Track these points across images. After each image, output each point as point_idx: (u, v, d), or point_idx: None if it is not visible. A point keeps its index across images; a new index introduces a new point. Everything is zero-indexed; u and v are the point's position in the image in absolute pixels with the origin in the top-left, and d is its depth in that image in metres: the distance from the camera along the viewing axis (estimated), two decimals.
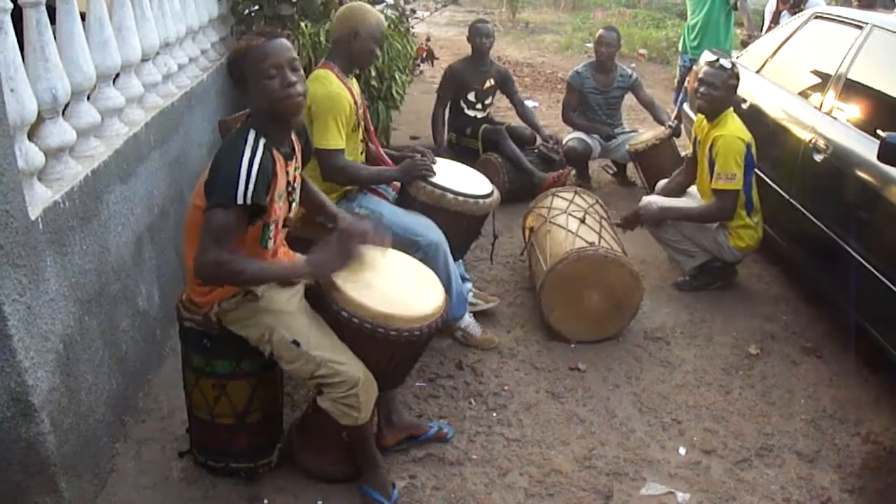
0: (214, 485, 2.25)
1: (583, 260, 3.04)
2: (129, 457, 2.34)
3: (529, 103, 5.66)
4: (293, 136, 2.10)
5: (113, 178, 2.38)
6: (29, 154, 1.93)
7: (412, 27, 5.25)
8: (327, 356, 1.99)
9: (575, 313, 3.11)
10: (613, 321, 3.17)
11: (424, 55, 5.40)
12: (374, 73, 4.24)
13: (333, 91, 2.66)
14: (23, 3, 1.95)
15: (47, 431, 1.88)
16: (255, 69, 1.89)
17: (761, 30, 6.32)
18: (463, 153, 4.66)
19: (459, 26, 11.10)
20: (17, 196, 1.75)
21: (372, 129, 3.05)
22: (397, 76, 4.45)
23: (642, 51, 10.26)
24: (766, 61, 4.34)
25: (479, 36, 4.70)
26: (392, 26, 4.59)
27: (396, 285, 2.18)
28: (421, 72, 6.00)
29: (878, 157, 2.75)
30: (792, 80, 3.97)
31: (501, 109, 6.05)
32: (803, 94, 3.78)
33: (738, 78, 3.41)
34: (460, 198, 2.81)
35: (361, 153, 2.90)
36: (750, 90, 4.09)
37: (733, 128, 3.37)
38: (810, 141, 3.35)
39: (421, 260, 2.50)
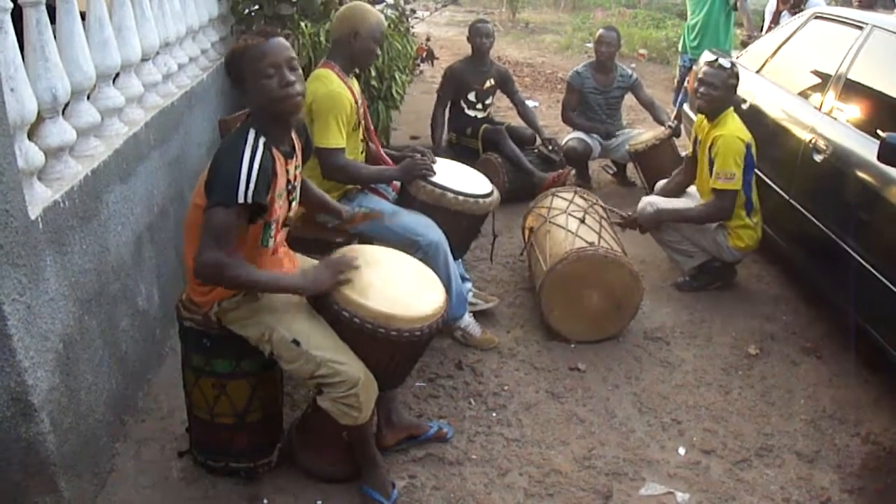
0: (214, 484, 2.25)
1: (582, 260, 3.04)
2: (128, 456, 2.34)
3: (529, 103, 5.65)
4: (293, 135, 2.11)
5: (113, 178, 2.38)
6: (29, 153, 1.93)
7: (412, 27, 5.25)
8: (327, 356, 1.99)
9: (575, 313, 3.12)
10: (613, 321, 3.17)
11: (424, 55, 5.40)
12: (374, 73, 4.24)
13: (334, 90, 2.66)
14: (23, 2, 1.95)
15: (47, 431, 1.88)
16: (253, 68, 1.89)
17: (761, 30, 6.32)
18: (463, 153, 4.67)
19: (459, 26, 11.10)
20: (16, 195, 1.75)
21: (372, 128, 3.05)
22: (397, 76, 4.44)
23: (642, 51, 10.26)
24: (766, 61, 4.34)
25: (479, 36, 4.70)
26: (392, 26, 4.59)
27: (397, 285, 2.18)
28: (421, 72, 6.00)
29: (878, 158, 2.75)
30: (792, 80, 3.97)
31: (501, 109, 6.05)
32: (803, 95, 3.78)
33: (737, 78, 3.41)
34: (460, 197, 2.81)
35: (362, 153, 2.91)
36: (750, 90, 4.09)
37: (733, 128, 3.37)
38: (810, 141, 3.35)
39: (421, 259, 2.50)
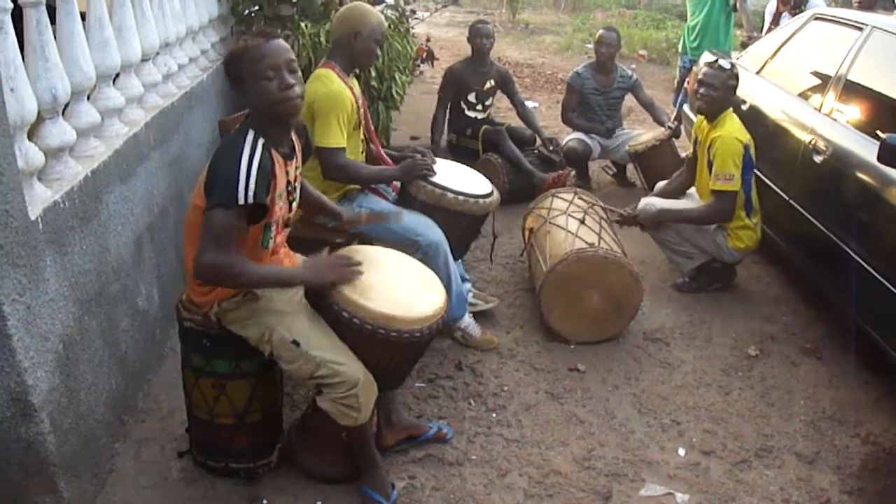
0: (214, 485, 2.25)
1: (582, 261, 3.04)
2: (128, 457, 2.34)
3: (529, 104, 5.66)
4: (293, 136, 2.10)
5: (113, 178, 2.38)
6: (29, 154, 1.93)
7: (412, 28, 5.25)
8: (327, 356, 1.99)
9: (574, 314, 3.12)
10: (613, 322, 3.17)
11: (424, 56, 5.40)
12: (374, 74, 4.24)
13: (335, 89, 2.66)
14: (23, 2, 1.95)
15: (47, 431, 1.88)
16: (252, 70, 1.89)
17: (761, 31, 6.33)
18: (463, 154, 4.67)
19: (459, 27, 11.11)
20: (16, 196, 1.75)
21: (373, 128, 3.05)
22: (397, 77, 4.45)
23: (642, 52, 10.27)
24: (766, 62, 4.34)
25: (479, 37, 4.70)
26: (392, 27, 4.59)
27: (397, 286, 2.18)
28: (421, 72, 6.00)
29: (878, 159, 2.75)
30: (792, 81, 3.98)
31: (501, 110, 6.05)
32: (803, 96, 3.78)
33: (737, 79, 3.41)
34: (461, 197, 2.82)
35: (362, 153, 2.91)
36: (750, 91, 4.09)
37: (732, 128, 3.37)
38: (810, 142, 3.35)
39: (421, 260, 2.50)
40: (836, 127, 3.28)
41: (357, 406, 2.00)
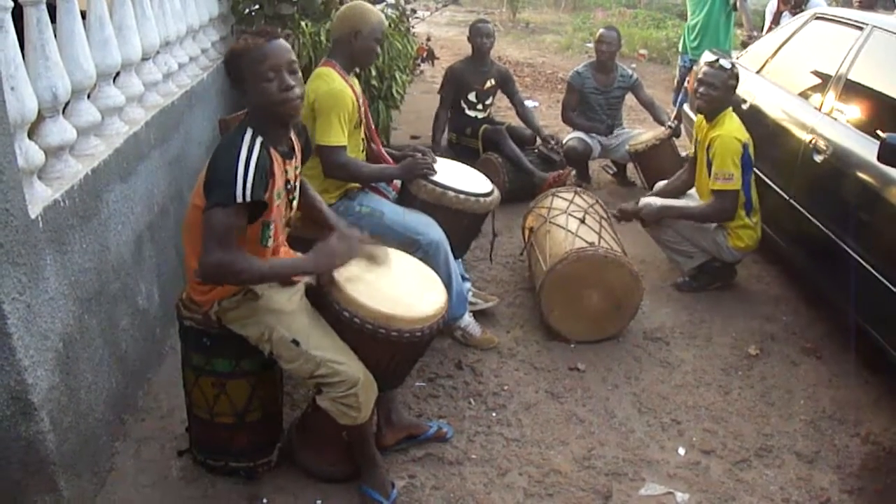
0: (214, 484, 2.25)
1: (582, 260, 3.04)
2: (128, 455, 2.34)
3: (529, 103, 5.66)
4: (292, 136, 2.10)
5: (113, 177, 2.38)
6: (29, 152, 1.93)
7: (412, 27, 5.24)
8: (327, 356, 1.99)
9: (574, 313, 3.12)
10: (613, 321, 3.17)
11: (425, 55, 5.40)
12: (374, 73, 4.24)
13: (336, 88, 2.66)
14: (23, 1, 1.95)
15: (47, 430, 1.88)
16: (253, 70, 1.89)
17: (762, 30, 6.32)
18: (463, 153, 4.66)
19: (460, 26, 11.11)
20: (17, 194, 1.75)
21: (373, 127, 3.05)
22: (397, 76, 4.44)
23: (642, 51, 10.26)
24: (767, 62, 4.34)
25: (479, 36, 4.69)
26: (392, 26, 4.59)
27: (398, 286, 2.18)
28: (421, 72, 5.99)
29: (878, 158, 2.75)
30: (792, 80, 3.97)
31: (501, 109, 6.05)
32: (803, 95, 3.78)
33: (737, 79, 3.41)
34: (461, 196, 2.82)
35: (362, 151, 2.91)
36: (750, 90, 4.09)
37: (731, 128, 3.36)
38: (810, 141, 3.35)
39: (422, 259, 2.50)
40: (836, 126, 3.28)
41: (357, 405, 2.00)
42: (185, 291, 2.19)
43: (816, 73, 3.81)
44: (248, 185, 1.82)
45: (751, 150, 3.38)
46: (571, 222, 3.31)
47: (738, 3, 5.84)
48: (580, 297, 3.09)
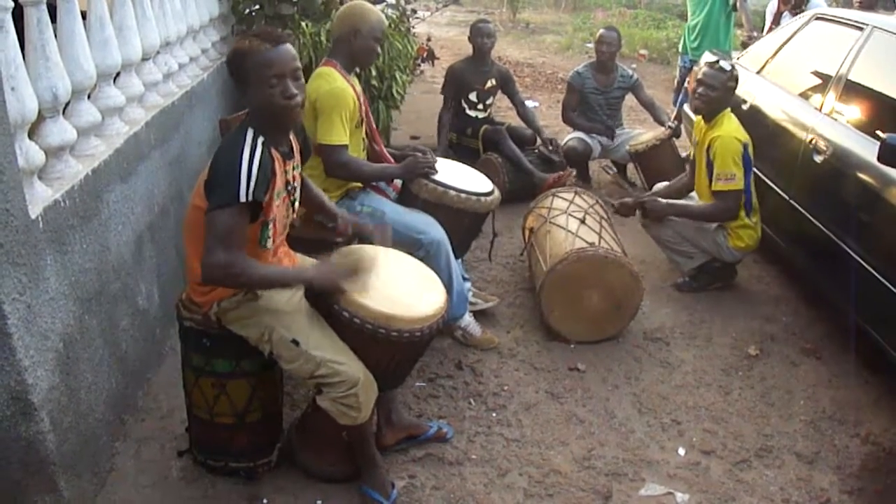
0: (214, 484, 2.25)
1: (583, 260, 3.04)
2: (128, 456, 2.34)
3: (530, 103, 5.66)
4: (292, 137, 2.10)
5: (113, 177, 2.38)
6: (29, 153, 1.93)
7: (413, 27, 5.25)
8: (327, 356, 1.99)
9: (575, 314, 3.12)
10: (613, 322, 3.17)
11: (425, 55, 5.40)
12: (374, 73, 4.24)
13: (337, 87, 2.66)
14: (24, 1, 1.95)
15: (47, 430, 1.88)
16: (257, 74, 1.88)
17: (762, 31, 6.32)
18: (463, 153, 4.67)
19: (460, 26, 11.12)
20: (17, 195, 1.75)
21: (374, 127, 3.05)
22: (398, 76, 4.44)
23: (643, 51, 10.26)
24: (767, 62, 4.34)
25: (480, 36, 4.70)
26: (393, 26, 4.59)
27: (398, 286, 2.18)
28: (421, 72, 5.99)
29: (878, 159, 2.75)
30: (792, 81, 3.98)
31: (501, 109, 6.05)
32: (804, 95, 3.78)
33: (736, 80, 3.41)
34: (462, 195, 2.82)
35: (364, 150, 2.91)
36: (750, 91, 4.09)
37: (730, 128, 3.37)
38: (810, 142, 3.35)
39: (423, 258, 2.50)
40: (836, 127, 3.28)
41: (357, 405, 2.00)
42: (185, 292, 2.19)
43: (816, 74, 3.81)
44: (251, 184, 1.82)
45: (750, 150, 3.38)
46: (572, 223, 3.31)
47: (738, 4, 5.84)
48: (580, 298, 3.09)
